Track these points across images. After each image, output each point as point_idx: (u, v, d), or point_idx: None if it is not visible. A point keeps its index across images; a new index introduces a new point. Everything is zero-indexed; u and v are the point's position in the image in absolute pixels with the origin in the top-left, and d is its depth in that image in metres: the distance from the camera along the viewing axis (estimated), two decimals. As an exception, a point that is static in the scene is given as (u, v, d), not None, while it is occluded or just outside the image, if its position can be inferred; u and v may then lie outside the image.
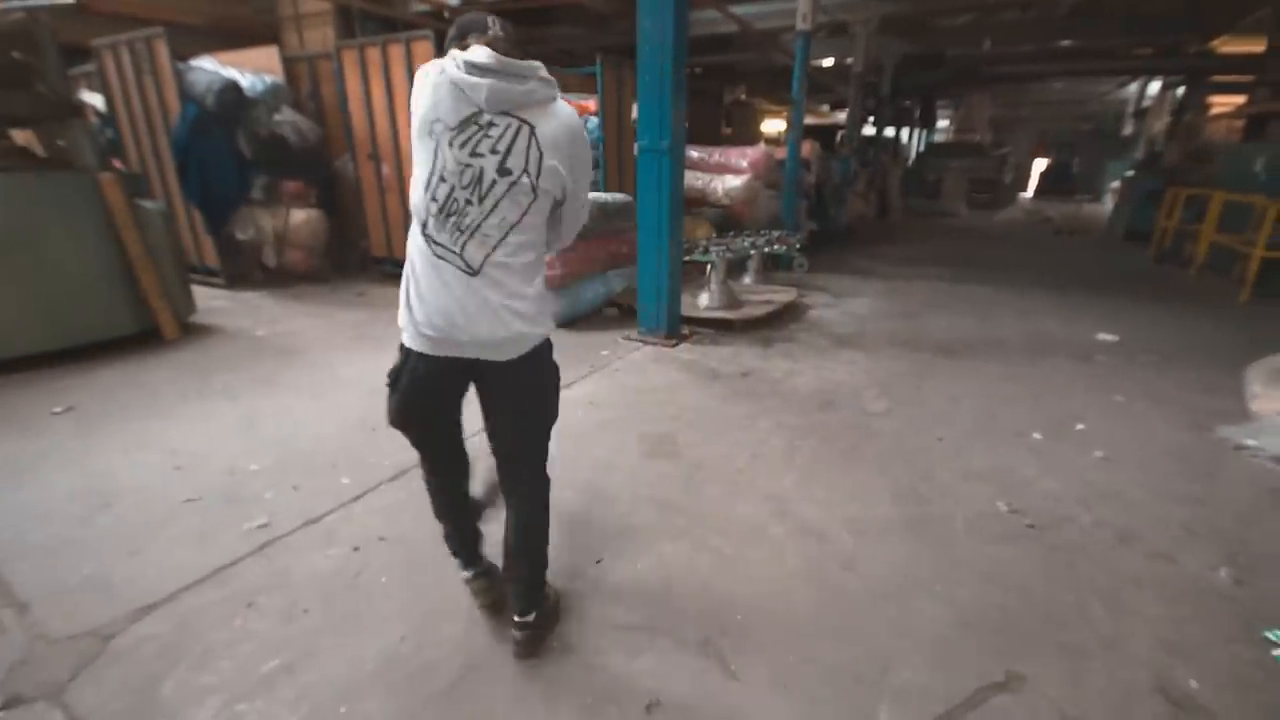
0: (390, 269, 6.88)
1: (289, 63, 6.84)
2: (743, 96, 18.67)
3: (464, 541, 1.93)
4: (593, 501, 2.59)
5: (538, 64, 1.49)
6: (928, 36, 11.74)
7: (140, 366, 4.04)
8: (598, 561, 2.19)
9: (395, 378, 1.66)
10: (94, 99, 6.19)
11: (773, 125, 20.67)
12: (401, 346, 1.64)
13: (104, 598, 2.00)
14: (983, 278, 7.55)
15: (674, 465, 2.91)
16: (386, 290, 6.40)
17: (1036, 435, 3.25)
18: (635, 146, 4.50)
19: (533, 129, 1.44)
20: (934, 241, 11.17)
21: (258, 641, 1.82)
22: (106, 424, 3.23)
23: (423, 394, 1.65)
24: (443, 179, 1.45)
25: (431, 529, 2.35)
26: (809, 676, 1.73)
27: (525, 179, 1.45)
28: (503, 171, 1.44)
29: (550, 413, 1.81)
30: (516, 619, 1.77)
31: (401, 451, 2.88)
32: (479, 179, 1.44)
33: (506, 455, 1.77)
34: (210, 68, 5.85)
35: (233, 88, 5.65)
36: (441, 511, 1.91)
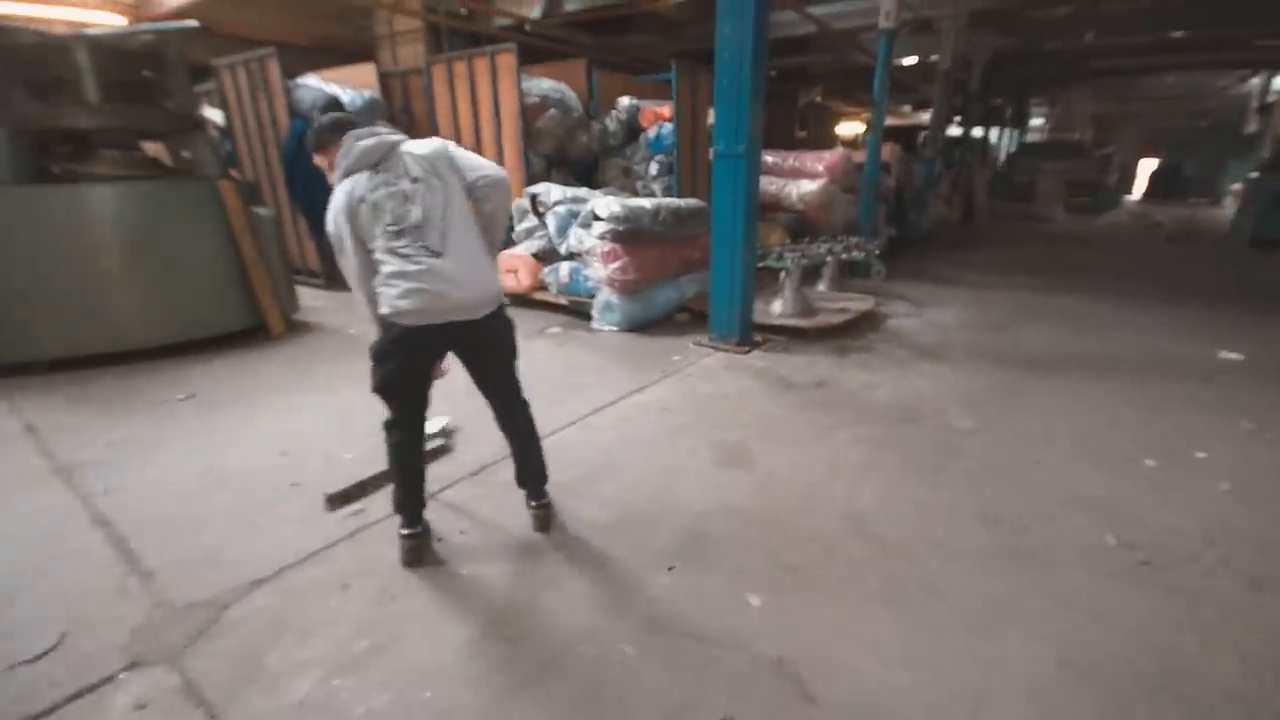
0: (470, 272, 7.15)
1: (384, 78, 7.28)
2: (818, 99, 18.24)
3: (416, 501, 2.26)
4: (664, 507, 2.59)
5: None
6: (1022, 30, 11.03)
7: (250, 359, 4.41)
8: (670, 568, 2.19)
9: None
10: (214, 114, 6.80)
11: (849, 128, 20.09)
12: None
13: (218, 570, 2.18)
14: (1082, 288, 7.02)
15: (747, 475, 2.87)
16: (466, 292, 6.66)
17: (1149, 462, 2.98)
18: (710, 151, 4.48)
19: None
20: (1026, 248, 10.50)
21: (352, 622, 1.93)
22: (222, 410, 3.53)
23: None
24: None
25: (511, 523, 2.44)
26: (892, 709, 1.65)
27: None
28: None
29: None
30: (536, 502, 2.43)
31: (483, 445, 3.02)
32: None
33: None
34: (314, 84, 6.31)
35: (334, 103, 6.07)
36: (409, 474, 2.25)
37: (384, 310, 2.02)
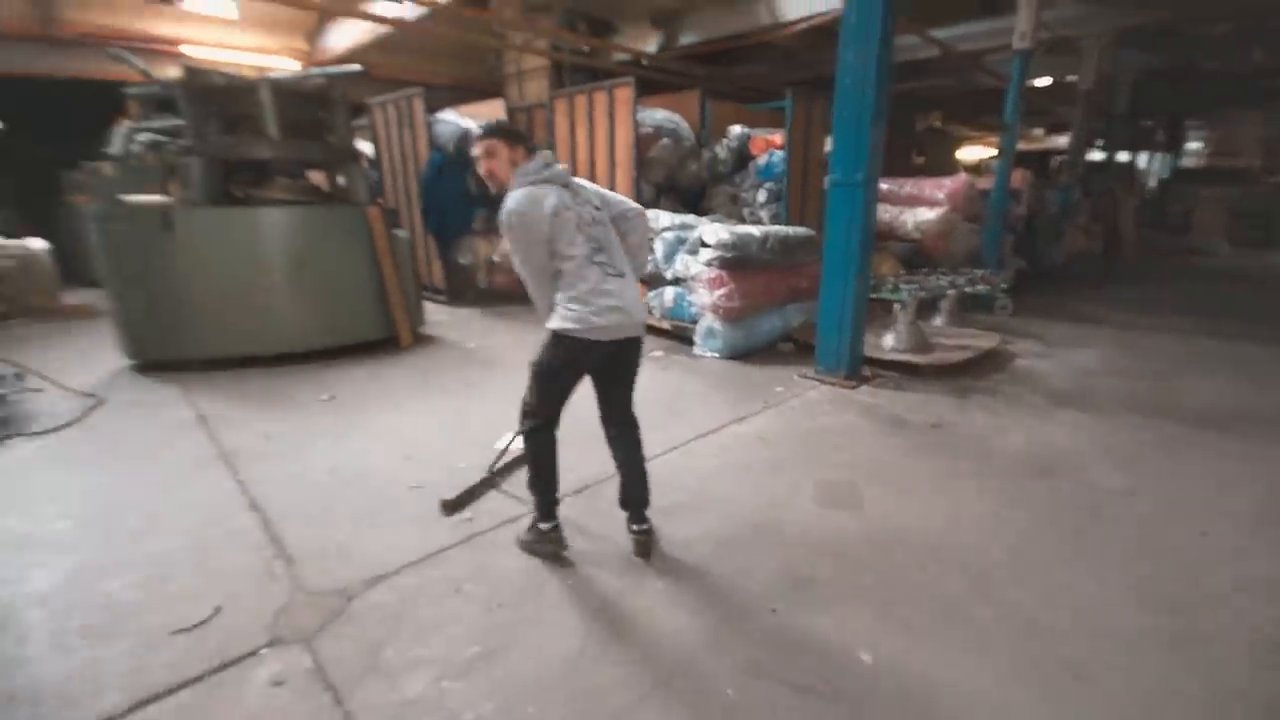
0: (576, 294, 7.43)
1: (511, 112, 7.81)
2: (937, 123, 17.40)
3: (553, 499, 2.40)
4: (766, 544, 2.50)
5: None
6: (1176, 47, 9.95)
7: (382, 367, 4.82)
8: (773, 610, 2.10)
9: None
10: (365, 147, 7.60)
11: (971, 153, 18.95)
12: None
13: (347, 563, 2.36)
14: (1256, 334, 6.09)
15: (855, 518, 2.72)
16: (572, 313, 6.91)
17: (1355, 544, 2.50)
18: (825, 180, 4.38)
19: None
20: (1182, 285, 9.33)
21: (463, 626, 2.02)
22: (357, 412, 3.87)
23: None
24: None
25: (613, 544, 2.46)
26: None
27: None
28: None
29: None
30: (638, 526, 2.43)
31: (582, 466, 3.08)
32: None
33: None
34: (451, 119, 6.89)
35: (467, 136, 6.59)
36: (550, 474, 2.39)
37: (571, 325, 2.14)
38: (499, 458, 3.00)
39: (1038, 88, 11.78)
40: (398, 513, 2.73)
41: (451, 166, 6.73)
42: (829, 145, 4.49)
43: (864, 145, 4.07)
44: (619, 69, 9.25)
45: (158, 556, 2.40)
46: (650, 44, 9.16)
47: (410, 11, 8.01)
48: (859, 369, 4.62)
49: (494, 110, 7.64)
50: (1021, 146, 14.55)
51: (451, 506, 2.74)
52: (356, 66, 5.37)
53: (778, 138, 6.83)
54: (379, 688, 1.77)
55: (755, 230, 5.38)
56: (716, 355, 5.19)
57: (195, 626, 2.01)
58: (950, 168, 15.24)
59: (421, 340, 5.58)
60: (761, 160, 6.87)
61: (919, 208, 7.73)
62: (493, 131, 2.20)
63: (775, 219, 6.83)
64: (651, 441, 3.41)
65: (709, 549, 2.45)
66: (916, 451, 3.40)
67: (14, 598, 2.15)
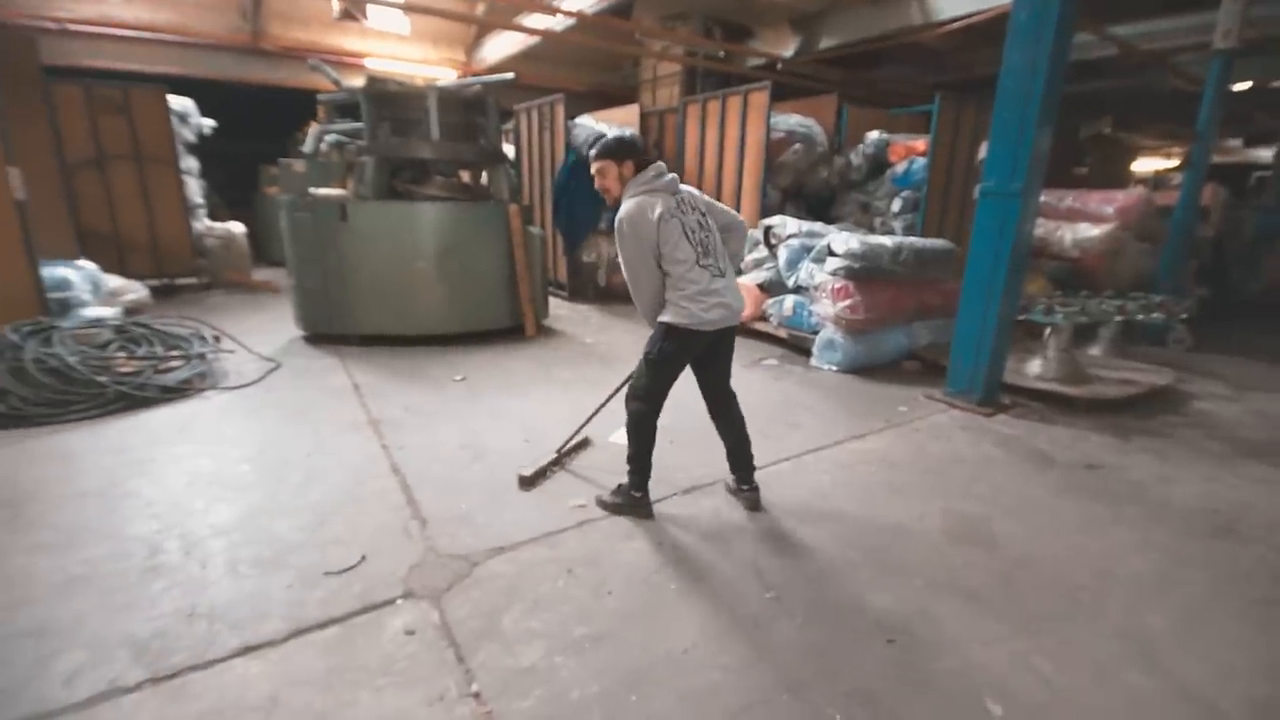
0: (693, 297, 7.46)
1: (644, 117, 8.00)
2: (1106, 130, 15.48)
3: (648, 474, 2.68)
4: (883, 569, 2.37)
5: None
6: None
7: (508, 354, 5.14)
8: (890, 641, 1.98)
9: None
10: (508, 149, 8.14)
11: (1146, 164, 16.69)
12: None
13: (472, 531, 2.54)
14: None
15: (986, 555, 2.50)
16: (688, 316, 6.96)
17: None
18: (975, 189, 4.06)
19: None
20: None
21: (573, 606, 2.10)
22: (485, 394, 4.15)
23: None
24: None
25: (722, 546, 2.44)
26: None
27: None
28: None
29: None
30: (748, 486, 2.79)
31: (698, 467, 3.09)
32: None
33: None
34: (588, 124, 7.19)
35: (601, 139, 6.84)
36: (649, 453, 2.64)
37: (684, 321, 2.41)
38: (569, 440, 3.25)
39: (1237, 93, 10.12)
40: (516, 491, 2.89)
41: (583, 168, 7.02)
42: (982, 152, 4.16)
43: (1025, 153, 3.73)
44: (753, 73, 9.16)
45: (316, 504, 2.72)
46: (788, 48, 8.96)
47: (558, 23, 8.45)
48: (996, 396, 4.24)
49: (629, 115, 7.86)
50: (1215, 159, 12.60)
51: (528, 482, 2.92)
52: (509, 75, 5.76)
53: (920, 144, 6.44)
54: (496, 651, 1.89)
55: (887, 241, 5.10)
56: (834, 368, 4.99)
57: (344, 571, 2.26)
58: (1120, 180, 13.51)
59: (544, 332, 5.87)
60: (900, 167, 6.50)
61: (1080, 223, 6.93)
62: (601, 153, 2.43)
63: (909, 230, 6.44)
64: (764, 451, 3.37)
65: (822, 566, 2.37)
66: (1064, 492, 3.06)
67: (201, 527, 2.53)
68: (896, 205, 6.56)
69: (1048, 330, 4.55)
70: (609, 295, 7.61)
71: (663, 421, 3.68)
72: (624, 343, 5.76)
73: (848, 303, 4.82)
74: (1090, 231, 6.74)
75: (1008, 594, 2.25)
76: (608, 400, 3.23)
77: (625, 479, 2.71)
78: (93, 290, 4.98)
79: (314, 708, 1.67)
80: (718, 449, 3.40)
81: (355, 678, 1.78)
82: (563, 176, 6.97)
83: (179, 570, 2.24)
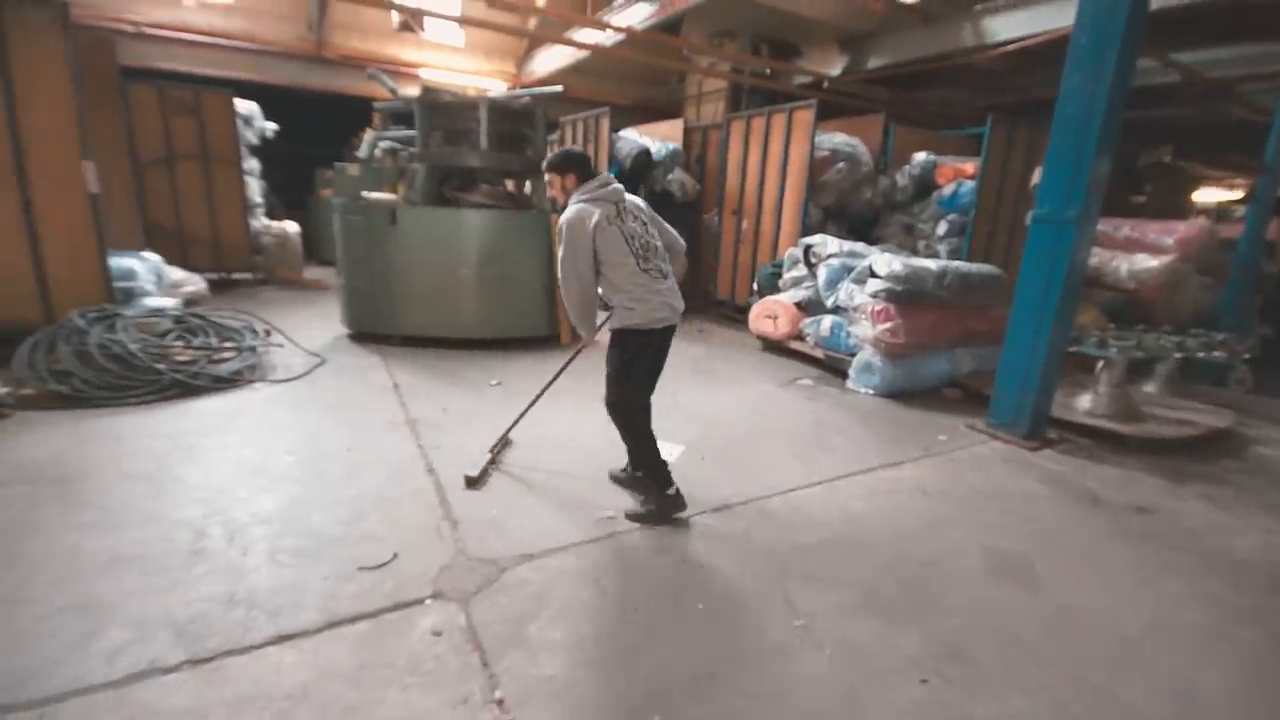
0: (730, 311, 7.43)
1: (687, 131, 8.06)
2: (1167, 158, 14.91)
3: (666, 467, 2.78)
4: (918, 603, 2.30)
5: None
6: None
7: (543, 361, 5.17)
8: (923, 681, 1.92)
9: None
10: (551, 159, 8.28)
11: (1209, 195, 15.96)
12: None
13: (501, 536, 2.56)
14: None
15: (1028, 597, 2.40)
16: (725, 330, 6.92)
17: None
18: (1028, 215, 3.96)
19: None
20: None
21: (598, 620, 2.09)
22: (519, 399, 4.15)
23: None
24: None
25: (750, 573, 2.41)
26: None
27: None
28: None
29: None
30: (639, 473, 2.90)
31: (727, 485, 3.06)
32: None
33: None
34: (632, 137, 7.28)
35: (644, 153, 6.93)
36: (655, 448, 2.75)
37: (636, 322, 2.61)
38: (503, 438, 3.39)
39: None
40: (547, 498, 2.91)
41: (624, 180, 7.09)
42: (1036, 177, 4.05)
43: (1082, 179, 3.62)
44: (798, 91, 9.14)
45: (354, 499, 2.78)
46: (835, 67, 8.92)
47: (608, 39, 8.59)
48: (1042, 429, 4.09)
49: (672, 130, 7.92)
50: (1285, 191, 11.97)
51: (472, 482, 2.97)
52: (558, 88, 5.88)
53: (969, 166, 6.31)
54: (520, 659, 1.90)
55: (932, 264, 5.00)
56: (871, 392, 4.89)
57: (377, 567, 2.30)
58: (1180, 210, 12.95)
59: (578, 341, 5.90)
60: (947, 190, 6.39)
61: (1138, 254, 6.65)
62: (547, 166, 2.70)
63: (955, 254, 6.31)
64: (794, 474, 3.33)
65: (853, 596, 2.31)
66: (1113, 535, 2.92)
67: (244, 514, 2.61)
68: (942, 228, 6.44)
69: (1100, 364, 4.37)
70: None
71: (691, 436, 3.67)
72: (658, 355, 5.76)
73: (888, 325, 4.73)
74: (1148, 263, 6.46)
75: (1050, 640, 2.15)
76: (528, 409, 3.44)
77: (645, 488, 2.82)
78: (156, 281, 5.23)
79: (343, 701, 1.70)
80: (748, 468, 3.39)
81: (384, 674, 1.80)
82: (605, 188, 7.07)
83: (221, 556, 2.31)
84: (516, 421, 3.41)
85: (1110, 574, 2.59)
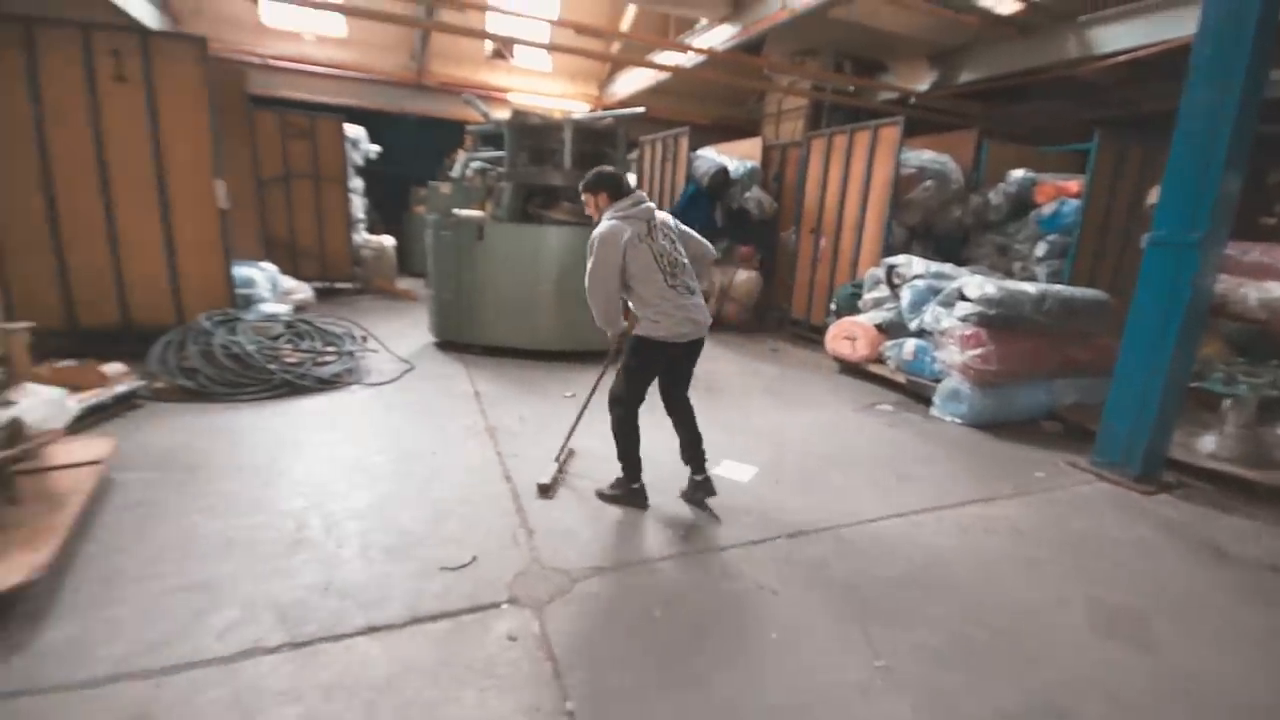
0: (805, 331, 7.27)
1: (766, 150, 8.01)
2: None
3: (639, 465, 2.97)
4: (1012, 657, 2.13)
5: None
6: None
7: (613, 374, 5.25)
8: (1018, 734, 1.78)
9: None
10: (631, 178, 8.46)
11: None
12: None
13: (574, 547, 2.60)
14: None
15: (1142, 659, 2.17)
16: (799, 350, 6.78)
17: None
18: (1143, 238, 3.65)
19: None
20: None
21: (669, 640, 2.07)
22: (591, 413, 4.24)
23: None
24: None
25: (827, 599, 2.32)
26: None
27: None
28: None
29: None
30: (701, 476, 2.98)
31: (803, 511, 2.98)
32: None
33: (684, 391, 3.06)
34: (710, 156, 7.31)
35: (722, 172, 6.94)
36: (637, 447, 2.93)
37: (659, 334, 2.74)
38: (564, 448, 3.44)
39: None
40: (617, 512, 2.93)
41: (702, 198, 7.13)
42: (1153, 197, 3.75)
43: (1207, 199, 3.31)
44: (883, 107, 8.90)
45: (436, 501, 2.91)
46: (923, 82, 8.63)
47: (689, 60, 8.72)
48: (1158, 471, 3.73)
49: (751, 148, 7.90)
50: None
51: (544, 490, 3.06)
52: (640, 109, 6.01)
53: (1072, 184, 5.91)
54: (591, 674, 1.91)
55: (1030, 288, 4.70)
56: (958, 421, 4.62)
57: (458, 568, 2.39)
58: (1325, 233, 11.54)
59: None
60: (1047, 209, 6.00)
61: (1269, 281, 5.98)
62: (584, 186, 2.85)
63: (1054, 277, 5.90)
64: (870, 501, 3.20)
65: (938, 640, 2.17)
66: (1243, 596, 2.61)
67: (340, 509, 2.78)
68: (1041, 250, 6.05)
69: (1227, 402, 3.95)
70: (718, 324, 7.56)
71: (764, 459, 3.60)
72: (727, 373, 5.71)
73: (979, 351, 4.47)
74: (1284, 291, 5.80)
75: (1166, 706, 1.94)
76: (576, 421, 3.48)
77: (621, 474, 2.99)
78: (271, 289, 5.73)
79: (423, 697, 1.77)
80: (823, 494, 3.29)
81: (461, 674, 1.86)
82: (681, 205, 7.12)
83: (319, 546, 2.48)
84: (573, 430, 3.45)
85: (1238, 639, 2.31)
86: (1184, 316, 3.43)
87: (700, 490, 2.96)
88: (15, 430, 2.20)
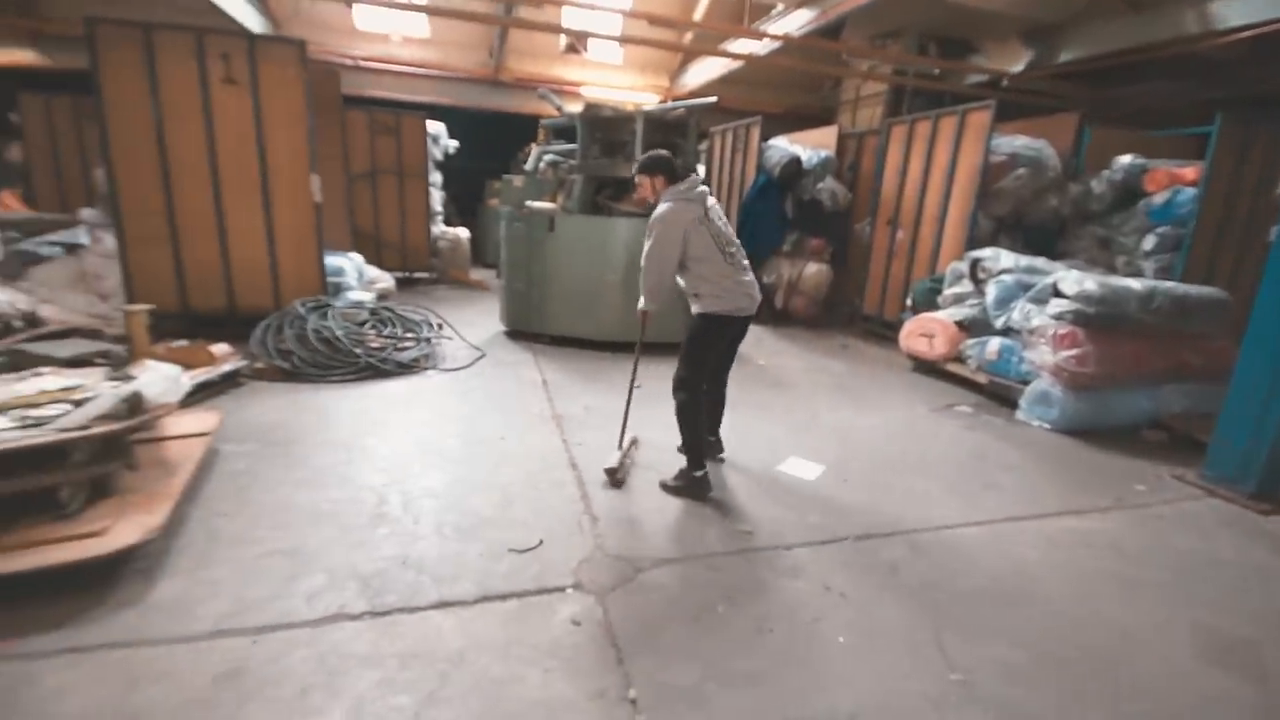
0: (877, 327, 6.99)
1: (841, 138, 7.73)
2: None
3: (704, 452, 3.05)
4: (1104, 677, 1.98)
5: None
6: None
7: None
8: (1111, 765, 1.65)
9: None
10: (700, 169, 8.37)
11: None
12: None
13: (638, 537, 2.63)
14: None
15: (1250, 688, 1.97)
16: (871, 348, 6.53)
17: None
18: (1272, 230, 3.27)
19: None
20: None
21: (732, 635, 2.06)
22: (656, 405, 4.18)
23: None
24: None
25: (899, 606, 2.24)
26: None
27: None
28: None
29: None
30: (713, 437, 3.36)
31: (871, 513, 2.88)
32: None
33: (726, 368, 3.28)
34: (782, 145, 7.12)
35: (794, 162, 6.75)
36: (702, 432, 3.05)
37: (722, 309, 2.88)
38: (624, 432, 3.40)
39: None
40: (682, 504, 2.93)
41: (773, 189, 6.96)
42: (1288, 185, 3.35)
43: (1359, 187, 2.92)
44: (970, 91, 8.39)
45: (505, 485, 3.00)
46: (1016, 63, 8.04)
47: (763, 48, 8.51)
48: (1278, 489, 3.35)
49: (825, 137, 7.64)
50: None
51: (612, 474, 3.11)
52: (712, 99, 5.93)
53: (1189, 171, 5.36)
54: (653, 663, 1.92)
55: (1136, 284, 4.32)
56: (1047, 426, 4.32)
57: (525, 551, 2.46)
58: None
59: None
60: (1159, 198, 5.48)
61: None
62: (639, 168, 2.96)
63: (1163, 273, 5.40)
64: (947, 507, 3.05)
65: (1022, 658, 2.05)
66: (1386, 634, 2.31)
67: (416, 487, 2.92)
68: (1150, 243, 5.53)
69: (1372, 416, 3.48)
70: (784, 318, 7.42)
71: (831, 458, 3.51)
72: (794, 367, 5.57)
73: (1074, 352, 4.16)
74: None
75: (1289, 749, 1.75)
76: (627, 410, 3.42)
77: (686, 464, 3.03)
78: (357, 278, 6.07)
79: (492, 672, 1.84)
80: (895, 497, 3.17)
81: (527, 654, 1.92)
82: (751, 196, 6.98)
83: (398, 521, 2.61)
84: (626, 415, 3.42)
85: (1382, 683, 2.05)
86: (1323, 318, 3.06)
87: (710, 449, 3.28)
88: (136, 402, 2.42)
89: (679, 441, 3.10)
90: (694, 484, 2.98)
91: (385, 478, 2.99)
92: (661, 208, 2.84)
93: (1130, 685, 1.96)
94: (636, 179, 2.98)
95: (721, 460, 3.37)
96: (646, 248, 2.86)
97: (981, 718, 1.78)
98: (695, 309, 2.94)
